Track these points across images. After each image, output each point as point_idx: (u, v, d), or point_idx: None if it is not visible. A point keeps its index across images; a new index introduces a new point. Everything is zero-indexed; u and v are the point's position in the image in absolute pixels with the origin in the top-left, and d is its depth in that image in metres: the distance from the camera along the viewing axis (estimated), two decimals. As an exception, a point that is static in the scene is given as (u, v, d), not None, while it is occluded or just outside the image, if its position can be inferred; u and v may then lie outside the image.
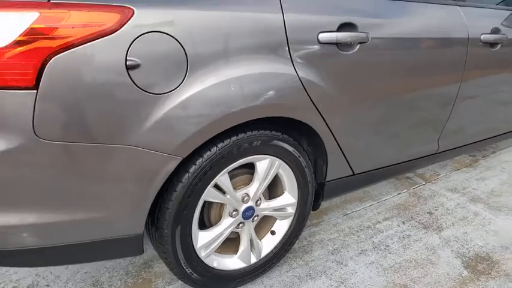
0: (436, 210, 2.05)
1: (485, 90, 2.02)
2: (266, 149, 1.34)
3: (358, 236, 1.82)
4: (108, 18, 0.97)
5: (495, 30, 1.89)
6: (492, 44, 1.88)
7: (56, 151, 1.00)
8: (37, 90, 0.94)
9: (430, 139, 1.92)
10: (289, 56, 1.24)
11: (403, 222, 1.94)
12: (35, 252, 1.12)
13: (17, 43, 0.91)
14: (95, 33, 0.96)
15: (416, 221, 1.95)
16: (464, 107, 1.94)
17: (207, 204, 1.38)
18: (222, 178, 1.27)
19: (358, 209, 2.05)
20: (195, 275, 1.36)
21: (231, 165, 1.27)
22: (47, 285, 1.49)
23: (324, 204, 2.06)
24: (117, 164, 1.07)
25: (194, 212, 1.26)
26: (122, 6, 0.99)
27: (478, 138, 2.25)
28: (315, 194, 1.63)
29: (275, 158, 1.38)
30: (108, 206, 1.11)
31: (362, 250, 1.72)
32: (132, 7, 1.00)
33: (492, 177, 2.44)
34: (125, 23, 0.99)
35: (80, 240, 1.14)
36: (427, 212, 2.04)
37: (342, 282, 1.53)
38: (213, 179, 1.25)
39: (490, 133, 2.31)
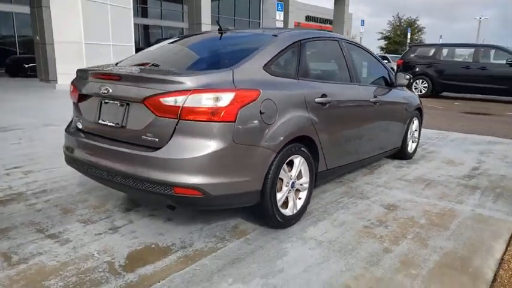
0: (362, 192, 3.76)
1: (374, 124, 3.95)
2: (298, 152, 2.88)
3: (331, 203, 3.38)
4: (254, 94, 2.49)
5: (375, 96, 3.86)
6: (374, 103, 3.83)
7: (240, 148, 2.42)
8: (235, 122, 2.38)
9: (358, 150, 3.71)
10: (306, 109, 2.88)
11: (349, 198, 3.58)
12: (222, 197, 2.43)
13: (230, 104, 2.36)
14: (251, 99, 2.46)
15: (355, 197, 3.61)
16: (367, 133, 3.81)
17: (278, 181, 2.82)
18: (284, 165, 2.76)
19: (325, 195, 3.63)
20: (276, 217, 2.75)
21: (288, 158, 2.77)
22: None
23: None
24: (257, 154, 2.52)
25: (277, 180, 2.71)
26: (257, 89, 2.51)
27: (376, 153, 4.15)
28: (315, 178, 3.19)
29: (301, 157, 2.92)
30: (252, 174, 2.52)
31: (337, 208, 3.28)
32: (260, 89, 2.52)
33: (383, 177, 4.29)
34: (259, 96, 2.51)
35: (239, 191, 2.50)
36: (359, 192, 3.73)
37: (335, 217, 3.06)
38: (283, 164, 2.73)
39: (379, 150, 4.23)
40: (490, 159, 5.19)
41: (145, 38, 30.77)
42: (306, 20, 44.76)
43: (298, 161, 2.90)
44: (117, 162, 2.51)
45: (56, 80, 13.74)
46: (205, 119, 2.32)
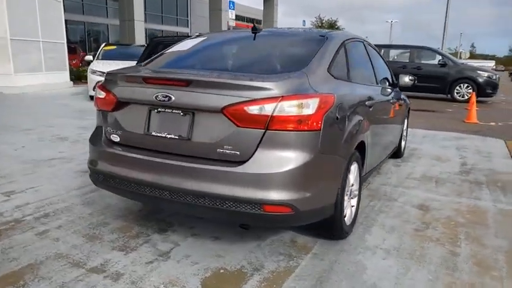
0: (385, 194, 3.76)
1: (391, 124, 3.97)
2: (354, 158, 2.76)
3: (366, 207, 3.33)
4: (331, 98, 2.31)
5: (391, 96, 3.88)
6: (393, 103, 3.85)
7: (324, 158, 2.24)
8: (320, 131, 2.19)
9: (381, 152, 3.69)
10: (362, 112, 2.78)
11: (378, 200, 3.56)
12: (308, 213, 2.23)
13: (316, 111, 2.17)
14: (330, 105, 2.29)
15: (383, 199, 3.60)
16: (387, 133, 3.81)
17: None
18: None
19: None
20: (343, 228, 2.61)
21: (351, 165, 2.65)
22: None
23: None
24: (335, 163, 2.37)
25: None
26: (332, 94, 2.34)
27: (388, 153, 4.18)
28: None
29: (356, 163, 2.81)
30: (331, 185, 2.36)
31: (376, 212, 3.23)
32: (334, 94, 2.36)
33: (391, 176, 4.35)
34: (334, 100, 2.34)
35: (321, 205, 2.31)
36: (383, 194, 3.72)
37: (381, 223, 3.00)
38: (348, 171, 2.59)
39: (389, 150, 4.26)
40: (470, 154, 5.55)
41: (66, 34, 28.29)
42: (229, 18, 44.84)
43: (354, 168, 2.79)
44: (187, 180, 2.17)
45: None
46: (292, 128, 2.10)
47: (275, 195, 2.08)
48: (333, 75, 2.57)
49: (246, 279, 2.26)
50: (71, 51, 16.89)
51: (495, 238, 2.89)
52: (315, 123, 2.15)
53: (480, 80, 12.73)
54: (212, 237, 2.75)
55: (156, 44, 4.20)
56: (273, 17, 34.21)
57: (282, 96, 2.08)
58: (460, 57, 38.78)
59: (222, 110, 2.11)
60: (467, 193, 3.88)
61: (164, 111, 2.32)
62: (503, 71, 57.46)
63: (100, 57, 11.31)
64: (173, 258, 2.46)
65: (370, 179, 4.19)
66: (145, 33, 23.18)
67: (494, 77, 12.95)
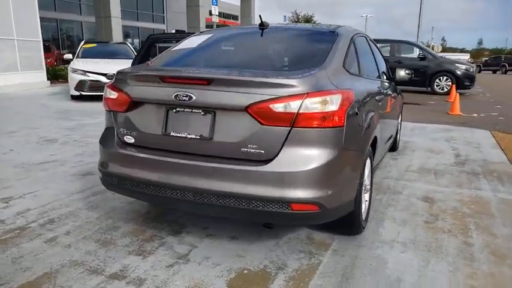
0: (389, 187, 3.80)
1: (392, 118, 4.01)
2: (369, 153, 2.77)
3: (374, 201, 3.35)
4: (351, 94, 2.31)
5: (391, 90, 3.91)
6: (393, 97, 3.88)
7: (347, 154, 2.23)
8: (343, 127, 2.18)
9: (385, 145, 3.72)
10: (374, 107, 2.79)
11: (383, 194, 3.59)
12: (333, 210, 2.23)
13: (340, 107, 2.15)
14: (351, 101, 2.28)
15: (388, 192, 3.64)
16: (390, 127, 3.84)
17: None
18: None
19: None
20: (361, 223, 2.62)
21: (366, 160, 2.66)
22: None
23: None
24: (356, 159, 2.37)
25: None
26: (351, 89, 2.33)
27: (387, 147, 4.21)
28: None
29: (369, 157, 2.82)
30: (352, 181, 2.36)
31: (384, 206, 3.26)
32: (352, 89, 2.35)
33: (390, 170, 4.40)
34: (353, 96, 2.34)
35: (344, 201, 2.31)
36: (387, 188, 3.76)
37: (391, 216, 3.03)
38: (365, 165, 2.60)
39: (389, 144, 4.31)
40: (460, 146, 5.68)
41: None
42: (209, 15, 44.46)
43: (368, 162, 2.80)
44: (211, 181, 2.12)
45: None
46: (317, 125, 2.08)
47: (303, 193, 2.06)
48: (348, 71, 2.56)
49: (271, 278, 2.24)
50: (45, 49, 16.34)
51: (503, 227, 2.97)
52: (339, 120, 2.14)
53: (458, 72, 13.06)
54: (229, 237, 2.71)
55: (153, 42, 4.10)
56: (251, 13, 34.10)
57: (307, 93, 2.05)
58: (433, 51, 39.63)
59: (247, 109, 2.07)
60: (467, 184, 3.97)
61: (183, 110, 2.25)
62: (472, 63, 59.31)
63: (80, 56, 10.99)
64: (193, 261, 2.41)
65: (371, 173, 4.23)
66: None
67: (471, 70, 13.31)
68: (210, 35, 3.12)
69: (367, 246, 2.63)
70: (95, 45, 12.34)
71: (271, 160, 2.08)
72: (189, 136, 2.23)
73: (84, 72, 9.97)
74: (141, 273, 2.26)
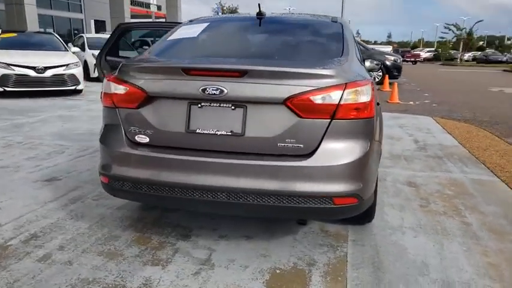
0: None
1: None
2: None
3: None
4: (372, 84, 2.29)
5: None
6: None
7: (376, 145, 2.23)
8: (374, 117, 2.17)
9: None
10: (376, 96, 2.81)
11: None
12: (367, 201, 2.21)
13: (371, 97, 2.13)
14: (374, 91, 2.27)
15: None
16: None
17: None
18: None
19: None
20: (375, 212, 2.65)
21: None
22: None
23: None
24: (378, 149, 2.36)
25: None
26: (370, 79, 2.31)
27: None
28: None
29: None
30: (376, 171, 2.35)
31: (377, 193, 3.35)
32: (371, 80, 2.34)
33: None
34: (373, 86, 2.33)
35: (371, 192, 2.31)
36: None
37: (388, 202, 3.13)
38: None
39: None
40: (414, 132, 6.06)
41: None
42: (131, 4, 42.34)
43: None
44: (247, 179, 1.98)
45: None
46: (354, 117, 2.04)
47: (344, 186, 2.01)
48: (359, 60, 2.56)
49: (307, 276, 2.18)
50: None
51: (487, 205, 3.21)
52: (371, 110, 2.12)
53: (388, 63, 13.93)
54: (244, 236, 2.59)
55: (124, 30, 3.72)
56: (177, 4, 33.17)
57: (346, 84, 2.00)
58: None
59: (285, 102, 1.96)
60: (438, 167, 4.23)
61: (209, 105, 2.07)
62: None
63: (-2, 47, 9.76)
64: (219, 265, 2.26)
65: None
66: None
67: (398, 61, 14.30)
68: (207, 24, 2.90)
69: (380, 234, 2.68)
70: (15, 34, 11.03)
71: (311, 154, 2.00)
72: (219, 133, 2.06)
73: (7, 65, 8.90)
74: (168, 285, 2.06)
